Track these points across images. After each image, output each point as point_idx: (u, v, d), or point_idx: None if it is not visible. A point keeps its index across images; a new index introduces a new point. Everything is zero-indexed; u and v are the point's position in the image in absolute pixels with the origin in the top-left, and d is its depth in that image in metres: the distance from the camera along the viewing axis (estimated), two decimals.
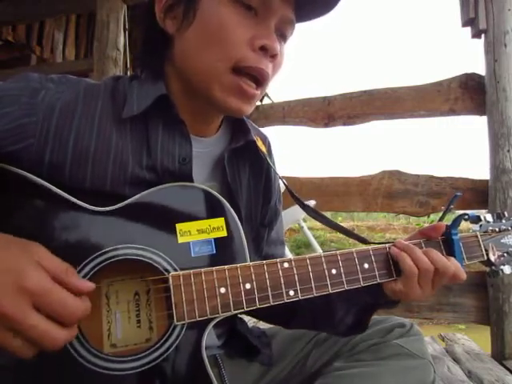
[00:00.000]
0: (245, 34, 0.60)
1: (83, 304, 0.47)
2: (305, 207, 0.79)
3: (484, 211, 1.91)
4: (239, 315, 0.79)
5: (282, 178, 0.84)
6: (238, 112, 0.65)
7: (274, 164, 0.82)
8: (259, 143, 0.77)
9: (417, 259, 0.63)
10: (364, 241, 0.78)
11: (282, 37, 0.66)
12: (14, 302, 0.42)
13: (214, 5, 0.60)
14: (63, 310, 0.44)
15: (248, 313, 0.62)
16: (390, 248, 0.66)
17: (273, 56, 0.62)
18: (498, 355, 1.73)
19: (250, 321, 2.45)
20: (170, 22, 0.64)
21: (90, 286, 0.48)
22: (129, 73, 3.10)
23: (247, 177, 0.76)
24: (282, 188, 0.90)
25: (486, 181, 1.88)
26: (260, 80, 0.63)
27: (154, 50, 0.68)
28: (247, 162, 0.76)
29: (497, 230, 0.74)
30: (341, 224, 0.82)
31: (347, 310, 0.73)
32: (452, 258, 0.66)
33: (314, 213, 0.79)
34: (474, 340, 2.00)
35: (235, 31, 0.59)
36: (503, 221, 0.76)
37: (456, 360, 1.72)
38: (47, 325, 0.43)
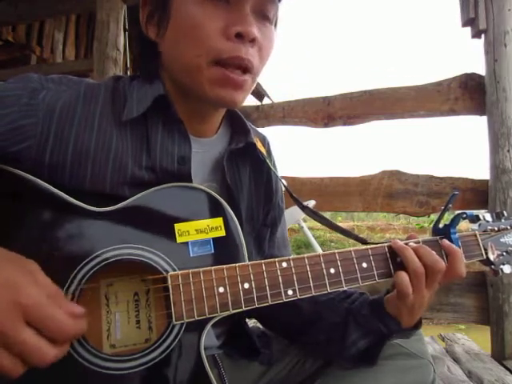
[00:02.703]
0: (216, 25, 0.59)
1: (75, 323, 0.46)
2: (304, 208, 0.79)
3: (484, 211, 1.91)
4: (239, 315, 0.79)
5: (280, 179, 0.83)
6: (232, 102, 0.63)
7: (274, 164, 0.82)
8: (258, 144, 0.77)
9: (420, 257, 0.63)
10: (363, 241, 0.78)
11: (265, 17, 0.63)
12: (5, 315, 0.41)
13: (183, 5, 0.61)
14: (55, 326, 0.43)
15: (260, 321, 0.60)
16: (388, 246, 0.66)
17: (252, 40, 0.60)
18: (498, 355, 1.73)
19: (250, 321, 2.45)
20: (151, 28, 0.66)
21: (78, 310, 0.47)
22: (129, 73, 3.10)
23: (248, 177, 0.76)
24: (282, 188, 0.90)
25: (486, 181, 1.88)
26: (244, 67, 0.61)
27: (147, 56, 0.69)
28: (247, 163, 0.76)
29: (496, 229, 0.74)
30: (339, 224, 0.82)
31: (362, 334, 0.70)
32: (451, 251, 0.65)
33: (312, 213, 0.79)
34: (474, 340, 2.00)
35: (206, 25, 0.59)
36: (502, 220, 0.75)
37: (456, 360, 1.72)
38: (38, 340, 0.43)
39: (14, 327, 0.41)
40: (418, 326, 0.68)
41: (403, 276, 0.62)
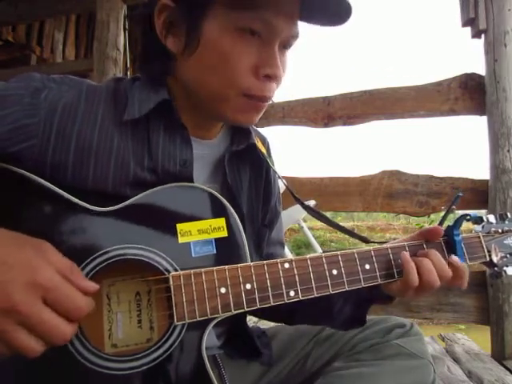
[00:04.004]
0: (249, 61, 0.60)
1: (89, 302, 0.48)
2: (306, 208, 0.79)
3: (484, 211, 1.92)
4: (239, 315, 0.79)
5: (282, 178, 0.84)
6: (248, 124, 0.67)
7: (273, 165, 0.83)
8: (259, 144, 0.77)
9: (422, 271, 0.63)
10: (365, 240, 0.78)
11: (286, 47, 0.66)
12: (25, 296, 0.42)
13: (217, 33, 0.59)
14: (71, 306, 0.45)
15: (249, 312, 0.62)
16: (391, 247, 0.66)
17: (276, 79, 0.63)
18: (498, 355, 1.73)
19: (250, 321, 2.46)
20: (171, 39, 0.63)
21: (93, 286, 0.49)
22: (129, 73, 3.10)
23: (248, 178, 0.76)
24: (282, 188, 0.90)
25: (486, 181, 1.88)
26: (265, 101, 0.64)
27: (154, 60, 0.68)
28: (248, 164, 0.77)
29: (499, 230, 0.73)
30: (341, 224, 0.82)
31: (344, 301, 0.74)
32: (454, 260, 0.65)
33: (314, 213, 0.79)
34: (474, 340, 2.00)
35: (239, 62, 0.60)
36: (506, 222, 0.75)
37: (456, 360, 1.72)
38: (57, 319, 0.44)
39: (34, 307, 0.43)
40: None
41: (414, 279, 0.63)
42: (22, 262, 0.44)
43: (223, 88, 0.61)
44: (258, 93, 0.62)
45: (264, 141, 0.85)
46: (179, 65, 0.65)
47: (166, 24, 0.63)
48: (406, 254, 0.64)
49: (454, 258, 0.66)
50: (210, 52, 0.61)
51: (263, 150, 0.78)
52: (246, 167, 0.76)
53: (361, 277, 0.63)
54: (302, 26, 0.66)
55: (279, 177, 0.84)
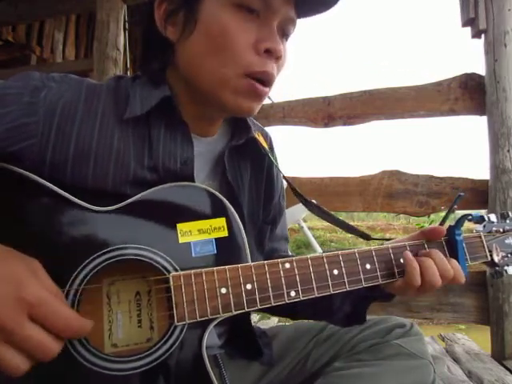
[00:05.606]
0: (248, 38, 0.60)
1: (79, 319, 0.47)
2: (307, 203, 0.78)
3: (484, 211, 1.91)
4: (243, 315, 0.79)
5: (284, 176, 0.83)
6: (249, 112, 0.65)
7: (276, 160, 0.82)
8: (261, 139, 0.77)
9: (424, 272, 0.62)
10: (367, 237, 0.78)
11: (284, 35, 0.66)
12: (10, 312, 0.42)
13: (214, 11, 0.60)
14: (61, 322, 0.44)
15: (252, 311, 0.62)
16: (392, 247, 0.66)
17: (277, 57, 0.62)
18: (498, 355, 1.73)
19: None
20: (171, 28, 0.64)
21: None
22: (129, 73, 3.10)
23: (249, 174, 0.76)
24: (284, 185, 0.90)
25: (486, 181, 1.88)
26: (267, 81, 0.63)
27: (155, 55, 0.68)
28: (248, 160, 0.76)
29: (501, 230, 0.73)
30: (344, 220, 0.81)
31: (344, 298, 0.74)
32: (453, 261, 0.65)
33: (316, 209, 0.79)
34: (474, 340, 2.00)
35: (238, 38, 0.59)
36: (507, 221, 0.75)
37: (456, 360, 1.72)
38: (42, 335, 0.43)
39: (19, 324, 0.42)
40: None
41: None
42: (10, 276, 0.43)
43: (222, 68, 0.60)
44: (259, 68, 0.60)
45: (266, 136, 0.85)
46: (178, 54, 0.65)
47: (165, 14, 0.64)
48: (409, 254, 0.64)
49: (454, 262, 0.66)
50: (207, 32, 0.60)
51: (265, 145, 0.78)
52: (247, 163, 0.76)
53: (362, 277, 0.63)
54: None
55: (284, 176, 0.83)
